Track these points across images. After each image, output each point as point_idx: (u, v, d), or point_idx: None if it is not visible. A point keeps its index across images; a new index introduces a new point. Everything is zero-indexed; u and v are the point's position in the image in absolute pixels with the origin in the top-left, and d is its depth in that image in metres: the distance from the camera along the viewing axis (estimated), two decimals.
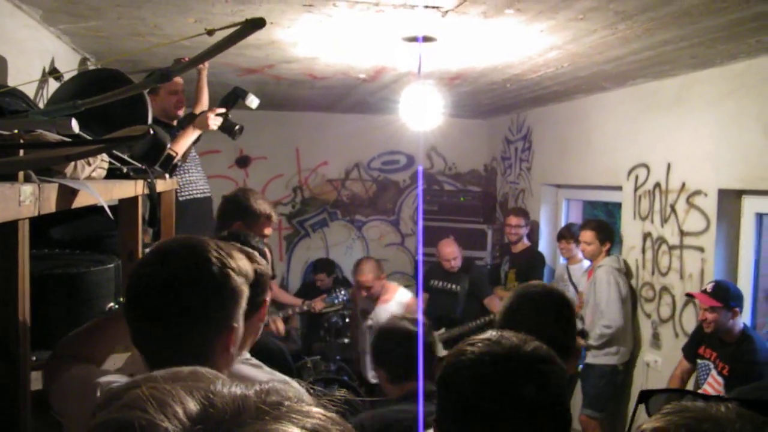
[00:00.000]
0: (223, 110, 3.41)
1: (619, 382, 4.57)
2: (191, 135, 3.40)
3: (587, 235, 4.88)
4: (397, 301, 4.89)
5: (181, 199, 3.70)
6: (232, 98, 3.47)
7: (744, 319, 3.72)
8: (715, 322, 3.50)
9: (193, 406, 0.51)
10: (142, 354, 1.35)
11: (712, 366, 3.60)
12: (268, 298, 1.83)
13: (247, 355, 1.79)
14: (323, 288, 6.29)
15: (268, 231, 3.22)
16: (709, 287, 3.56)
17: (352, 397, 0.76)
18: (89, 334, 1.65)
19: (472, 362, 1.23)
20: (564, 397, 1.25)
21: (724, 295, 3.47)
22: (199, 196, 3.91)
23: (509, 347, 1.24)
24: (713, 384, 3.54)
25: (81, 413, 1.32)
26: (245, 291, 1.38)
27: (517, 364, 1.22)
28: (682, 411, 0.92)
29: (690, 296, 3.79)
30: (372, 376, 4.73)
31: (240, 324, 1.39)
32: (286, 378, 1.70)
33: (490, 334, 1.31)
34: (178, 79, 3.59)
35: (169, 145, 2.55)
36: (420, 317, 1.82)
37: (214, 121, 3.39)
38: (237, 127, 3.50)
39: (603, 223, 5.02)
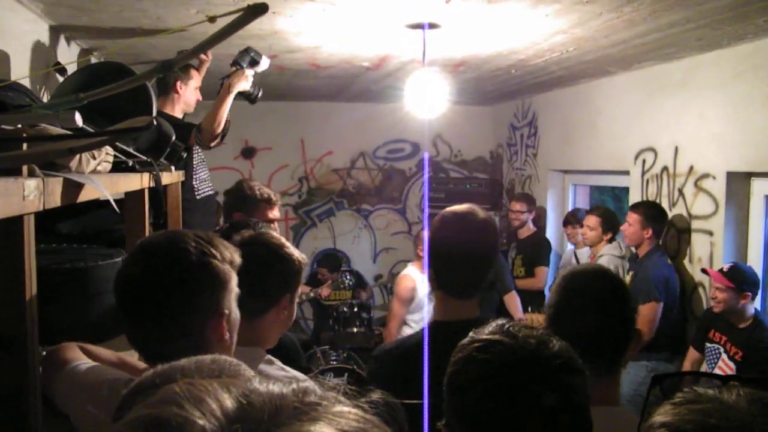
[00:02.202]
0: (252, 71, 3.31)
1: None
2: (229, 99, 3.31)
3: (592, 220, 4.84)
4: None
5: (198, 197, 3.72)
6: (247, 59, 3.35)
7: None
8: (725, 302, 3.47)
9: (230, 403, 0.50)
10: (140, 353, 1.36)
11: (722, 350, 3.58)
12: (292, 292, 1.84)
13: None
14: (324, 281, 6.34)
15: (271, 214, 3.25)
16: (726, 267, 3.53)
17: (391, 399, 0.74)
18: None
19: (483, 372, 1.12)
20: (585, 406, 1.14)
21: (739, 277, 3.43)
22: (210, 192, 3.93)
23: (526, 354, 1.11)
24: (724, 369, 3.51)
25: (88, 411, 1.33)
26: (231, 276, 1.39)
27: (534, 374, 1.10)
28: (691, 402, 0.89)
29: (704, 272, 3.75)
30: None
31: (232, 310, 1.39)
32: (297, 374, 1.70)
33: (501, 331, 1.16)
34: (197, 74, 3.61)
35: (173, 138, 2.54)
36: (426, 306, 1.79)
37: (249, 81, 3.32)
38: (256, 91, 3.43)
39: (610, 213, 4.99)
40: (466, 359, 1.15)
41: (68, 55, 3.42)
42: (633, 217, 4.28)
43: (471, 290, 1.96)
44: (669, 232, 4.35)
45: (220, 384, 0.52)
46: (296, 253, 1.91)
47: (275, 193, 3.33)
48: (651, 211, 4.30)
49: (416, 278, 4.61)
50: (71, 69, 2.83)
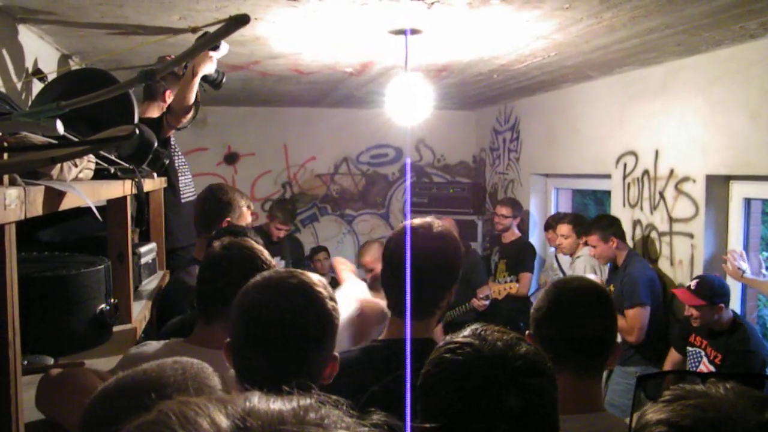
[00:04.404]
0: (216, 53, 3.23)
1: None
2: (195, 82, 3.25)
3: (564, 229, 4.92)
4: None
5: (183, 201, 3.71)
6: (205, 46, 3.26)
7: (733, 303, 3.72)
8: (701, 318, 3.50)
9: (225, 426, 0.48)
10: (247, 381, 1.35)
11: (703, 354, 3.61)
12: None
13: None
14: (323, 271, 6.33)
15: (249, 219, 3.28)
16: (693, 284, 3.53)
17: (394, 421, 0.73)
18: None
19: (450, 373, 1.15)
20: (551, 411, 1.16)
21: (708, 292, 3.45)
22: (191, 198, 3.92)
23: (491, 356, 1.14)
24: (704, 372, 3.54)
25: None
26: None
27: (498, 376, 1.12)
28: (683, 398, 0.92)
29: (673, 294, 3.76)
30: None
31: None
32: None
33: (472, 335, 1.19)
34: None
35: (155, 143, 2.53)
36: (408, 310, 1.76)
37: (213, 64, 3.28)
38: (220, 76, 3.37)
39: (579, 217, 5.05)
40: (437, 360, 1.19)
41: (49, 61, 3.39)
42: (592, 239, 4.38)
43: (423, 312, 1.81)
44: (650, 236, 4.39)
45: (216, 402, 0.50)
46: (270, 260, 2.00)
47: (236, 198, 3.29)
48: (602, 223, 4.41)
49: None
50: (51, 76, 2.81)
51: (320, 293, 1.44)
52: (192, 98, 3.28)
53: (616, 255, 4.31)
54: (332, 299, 1.46)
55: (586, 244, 4.79)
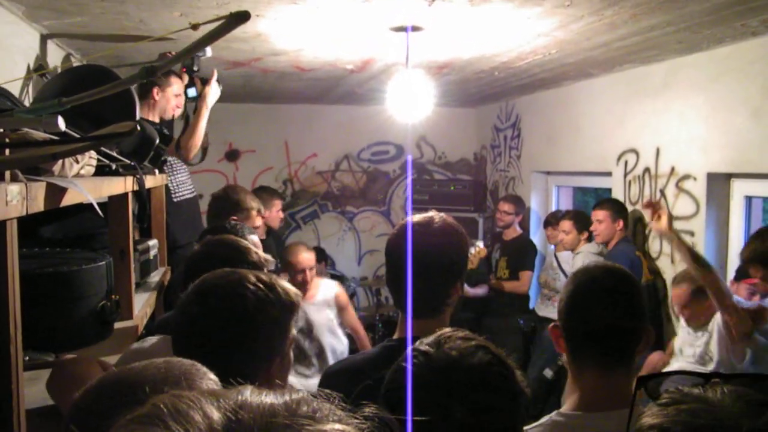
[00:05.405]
0: (216, 76, 3.52)
1: None
2: (206, 113, 3.51)
3: (565, 225, 4.96)
4: (323, 294, 4.21)
5: (176, 200, 3.72)
6: (197, 61, 3.50)
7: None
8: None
9: (217, 418, 0.48)
10: None
11: None
12: None
13: None
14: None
15: (258, 223, 3.34)
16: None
17: (385, 415, 0.72)
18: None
19: (402, 385, 1.11)
20: (508, 428, 1.11)
21: None
22: (189, 195, 3.92)
23: (440, 367, 1.10)
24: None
25: None
26: (286, 320, 1.41)
27: (444, 388, 1.09)
28: (679, 402, 0.89)
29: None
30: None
31: (286, 354, 1.42)
32: None
33: (433, 342, 1.16)
34: (178, 81, 3.61)
35: (157, 142, 2.54)
36: (409, 311, 1.72)
37: (218, 90, 3.52)
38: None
39: (580, 213, 5.08)
40: (395, 369, 1.16)
41: (51, 57, 3.39)
42: (601, 214, 4.44)
43: (431, 310, 1.78)
44: (650, 233, 4.39)
45: (209, 396, 0.51)
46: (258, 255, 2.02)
47: (245, 200, 3.40)
48: (617, 205, 4.50)
49: None
50: (53, 73, 2.81)
51: (240, 291, 1.36)
52: (202, 133, 3.42)
53: (614, 237, 4.39)
54: (256, 294, 1.36)
55: (587, 240, 4.82)
